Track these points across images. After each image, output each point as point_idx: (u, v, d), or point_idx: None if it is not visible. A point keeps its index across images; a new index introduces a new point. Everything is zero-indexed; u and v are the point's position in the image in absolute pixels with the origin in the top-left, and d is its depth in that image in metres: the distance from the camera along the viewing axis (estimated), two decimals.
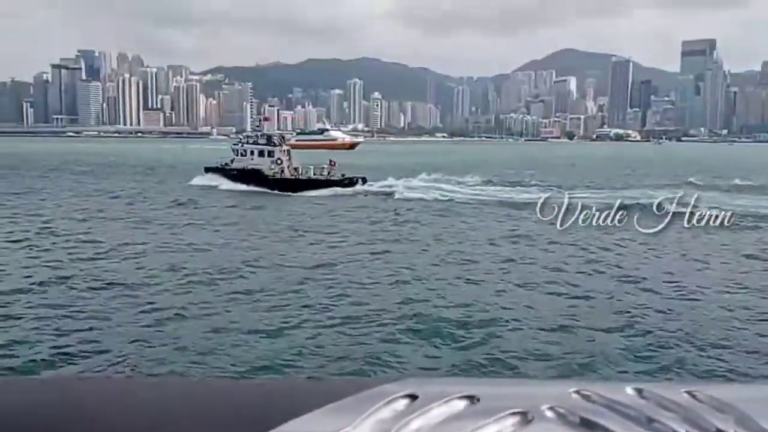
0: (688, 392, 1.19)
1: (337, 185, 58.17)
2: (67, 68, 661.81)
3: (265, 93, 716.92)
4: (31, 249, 28.82)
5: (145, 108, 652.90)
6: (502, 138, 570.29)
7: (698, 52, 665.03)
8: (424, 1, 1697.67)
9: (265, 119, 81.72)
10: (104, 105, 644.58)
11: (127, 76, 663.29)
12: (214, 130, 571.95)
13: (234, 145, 68.34)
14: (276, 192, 56.92)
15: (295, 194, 55.69)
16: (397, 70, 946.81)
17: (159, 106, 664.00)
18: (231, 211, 44.75)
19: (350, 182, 59.06)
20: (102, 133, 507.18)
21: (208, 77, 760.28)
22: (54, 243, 30.44)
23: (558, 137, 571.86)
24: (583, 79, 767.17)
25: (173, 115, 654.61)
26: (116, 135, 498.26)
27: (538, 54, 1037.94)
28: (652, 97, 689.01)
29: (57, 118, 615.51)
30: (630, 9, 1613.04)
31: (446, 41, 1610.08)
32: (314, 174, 61.05)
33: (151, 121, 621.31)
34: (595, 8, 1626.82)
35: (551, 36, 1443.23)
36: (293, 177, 60.74)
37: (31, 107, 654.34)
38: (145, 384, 1.78)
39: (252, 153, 63.72)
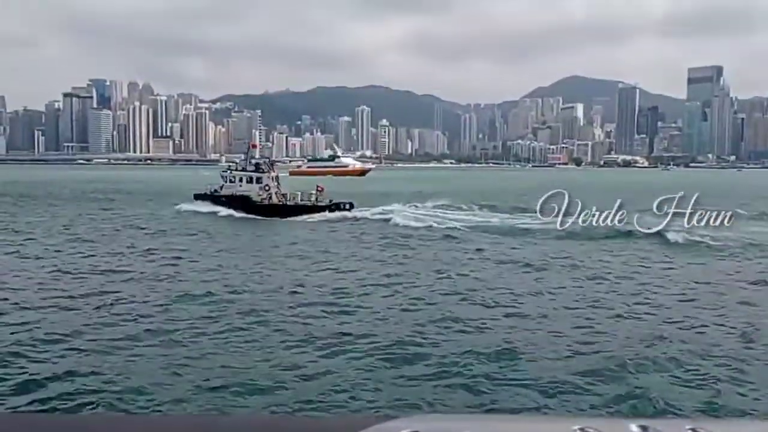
0: (692, 429, 1.35)
1: (324, 211, 59.01)
2: (78, 97, 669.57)
3: (273, 120, 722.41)
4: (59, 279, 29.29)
5: (155, 135, 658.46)
6: (509, 164, 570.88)
7: (705, 78, 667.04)
8: (432, 30, 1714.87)
9: (253, 146, 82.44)
10: (114, 133, 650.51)
11: (137, 104, 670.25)
12: (223, 158, 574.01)
13: (223, 172, 69.42)
14: (263, 218, 57.66)
15: (282, 220, 56.49)
16: (405, 97, 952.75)
17: (168, 133, 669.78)
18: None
19: (337, 207, 59.99)
20: (112, 161, 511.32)
21: (218, 105, 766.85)
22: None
23: (565, 163, 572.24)
24: (590, 105, 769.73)
25: (182, 142, 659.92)
26: (126, 162, 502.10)
27: (545, 81, 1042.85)
28: (660, 123, 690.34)
29: (68, 146, 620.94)
30: (636, 36, 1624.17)
31: (453, 69, 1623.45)
32: (301, 200, 62.24)
33: (161, 149, 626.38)
34: (601, 35, 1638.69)
35: (557, 63, 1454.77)
36: (281, 203, 61.77)
37: (42, 135, 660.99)
38: (139, 421, 1.99)
39: (240, 180, 64.89)
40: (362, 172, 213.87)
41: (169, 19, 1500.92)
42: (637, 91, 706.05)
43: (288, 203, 61.97)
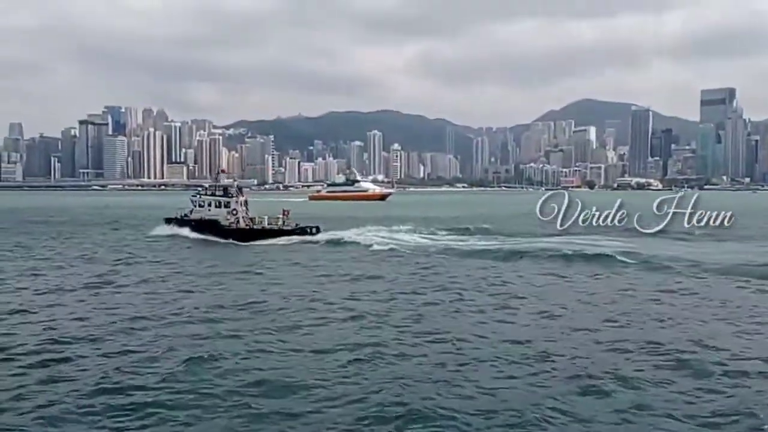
0: None
1: (289, 234, 60.06)
2: (93, 123, 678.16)
3: (286, 145, 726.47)
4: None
5: (169, 161, 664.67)
6: (522, 188, 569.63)
7: (718, 100, 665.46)
8: (443, 53, 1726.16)
9: (222, 171, 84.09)
10: (129, 159, 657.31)
11: (151, 130, 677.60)
12: (236, 183, 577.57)
13: (192, 196, 71.05)
14: (231, 242, 58.79)
15: (248, 244, 57.14)
16: (417, 121, 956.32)
17: (182, 159, 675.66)
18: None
19: (302, 231, 60.84)
20: (126, 186, 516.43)
21: (231, 131, 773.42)
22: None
23: (578, 186, 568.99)
24: (602, 128, 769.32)
25: (196, 168, 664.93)
26: (140, 188, 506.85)
27: (557, 104, 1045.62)
28: (673, 145, 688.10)
29: (83, 172, 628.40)
30: (649, 59, 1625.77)
31: (465, 93, 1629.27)
32: (268, 224, 63.19)
33: (175, 174, 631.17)
34: (613, 58, 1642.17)
35: (569, 86, 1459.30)
36: (248, 227, 62.59)
37: (58, 162, 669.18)
38: None
39: (209, 204, 66.12)
40: (382, 197, 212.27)
41: (183, 45, 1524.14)
42: (650, 113, 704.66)
43: (255, 227, 62.54)
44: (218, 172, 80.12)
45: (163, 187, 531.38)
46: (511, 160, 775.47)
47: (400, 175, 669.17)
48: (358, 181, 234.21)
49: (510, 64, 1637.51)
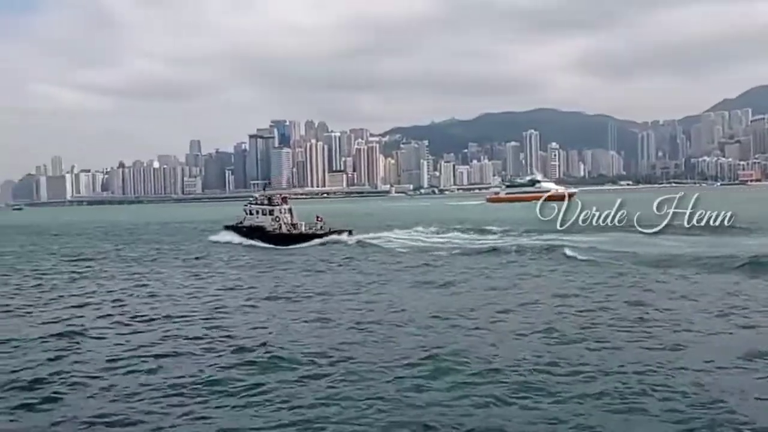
0: None
1: (322, 237, 66.47)
2: (262, 137, 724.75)
3: (440, 149, 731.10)
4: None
5: (330, 170, 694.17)
6: (694, 183, 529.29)
7: None
8: (600, 46, 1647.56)
9: (269, 183, 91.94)
10: (294, 169, 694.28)
11: (313, 141, 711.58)
12: (393, 188, 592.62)
13: (245, 206, 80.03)
14: (273, 246, 65.08)
15: (286, 247, 63.25)
16: (575, 118, 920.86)
17: (342, 167, 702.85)
18: None
19: (331, 234, 67.57)
20: (292, 195, 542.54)
21: (387, 138, 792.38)
22: None
23: (758, 180, 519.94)
24: None
25: (355, 175, 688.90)
26: (304, 196, 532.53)
27: (732, 92, 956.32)
28: None
29: (253, 183, 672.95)
30: None
31: (626, 85, 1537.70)
32: (305, 229, 70.67)
33: (335, 182, 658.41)
34: None
35: (745, 72, 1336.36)
36: (288, 232, 69.75)
37: (231, 174, 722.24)
38: None
39: (257, 212, 75.14)
40: (565, 197, 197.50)
41: (341, 59, 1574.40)
42: None
43: (293, 232, 69.62)
44: (265, 185, 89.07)
45: (325, 195, 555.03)
46: (680, 155, 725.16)
47: (559, 175, 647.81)
48: (539, 182, 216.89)
49: (676, 53, 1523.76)
